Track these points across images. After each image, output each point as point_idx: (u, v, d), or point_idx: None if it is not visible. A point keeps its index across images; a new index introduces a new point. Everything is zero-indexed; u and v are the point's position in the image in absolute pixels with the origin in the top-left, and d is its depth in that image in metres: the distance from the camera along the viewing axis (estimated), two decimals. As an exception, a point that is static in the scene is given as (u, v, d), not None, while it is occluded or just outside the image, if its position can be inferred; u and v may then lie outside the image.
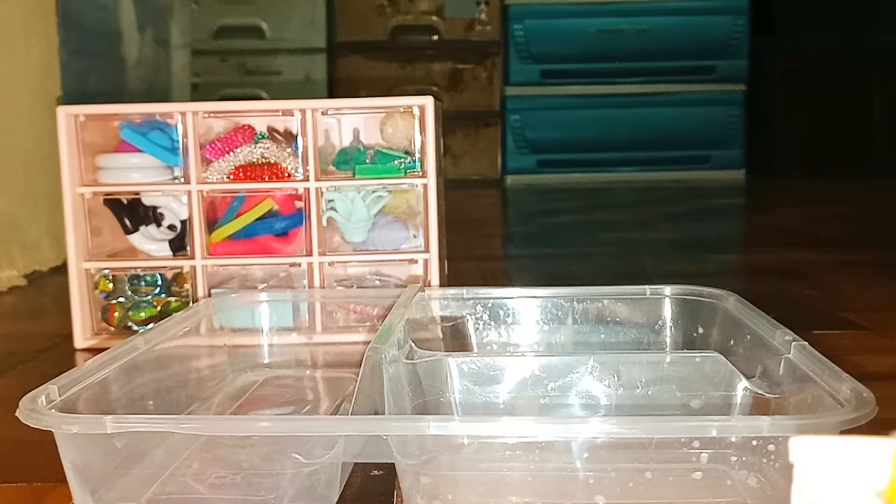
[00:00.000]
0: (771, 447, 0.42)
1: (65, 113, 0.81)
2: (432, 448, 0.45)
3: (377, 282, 0.87)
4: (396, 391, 0.52)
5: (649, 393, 0.55)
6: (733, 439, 0.42)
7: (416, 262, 0.85)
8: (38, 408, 0.44)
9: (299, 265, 0.83)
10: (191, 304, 0.82)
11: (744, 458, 0.44)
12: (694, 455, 0.43)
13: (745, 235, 1.75)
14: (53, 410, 0.44)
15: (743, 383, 0.53)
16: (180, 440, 0.49)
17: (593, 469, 0.43)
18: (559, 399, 0.56)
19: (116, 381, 0.53)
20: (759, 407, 0.52)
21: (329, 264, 0.84)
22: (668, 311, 0.67)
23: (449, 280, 0.89)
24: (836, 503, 0.23)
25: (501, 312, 0.68)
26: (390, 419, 0.46)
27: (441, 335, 0.68)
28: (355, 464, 0.52)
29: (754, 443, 0.43)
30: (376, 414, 0.48)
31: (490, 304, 0.68)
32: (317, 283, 0.83)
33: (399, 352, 0.54)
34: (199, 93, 2.41)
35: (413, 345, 0.57)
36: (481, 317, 0.69)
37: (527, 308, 0.68)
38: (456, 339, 0.68)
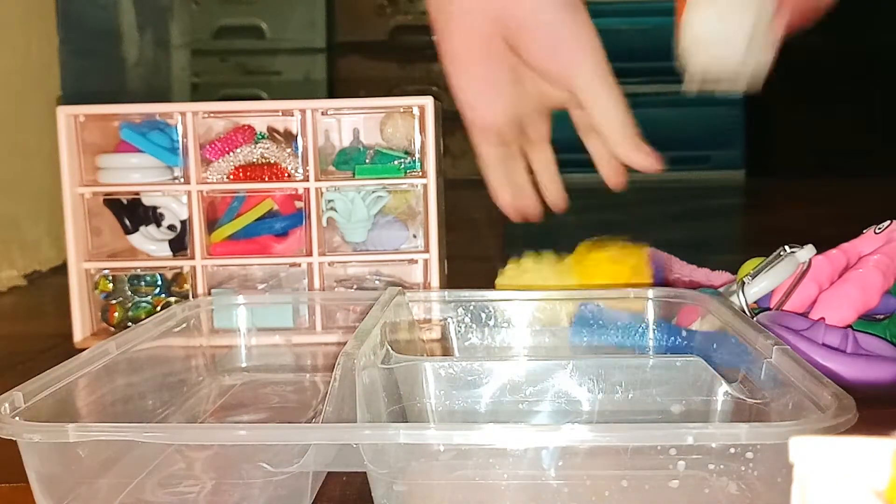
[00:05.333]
0: (749, 455, 0.41)
1: (65, 113, 0.80)
2: (406, 456, 0.44)
3: (377, 282, 0.87)
4: (371, 397, 0.51)
5: (629, 397, 0.54)
6: (713, 446, 0.41)
7: (416, 262, 0.85)
8: (0, 416, 0.43)
9: (299, 265, 0.83)
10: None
11: (722, 466, 0.43)
12: (671, 463, 0.42)
13: (745, 236, 1.75)
14: (17, 419, 0.43)
15: (724, 388, 0.52)
16: (152, 447, 0.48)
17: (568, 477, 0.43)
18: (537, 404, 0.54)
19: (87, 386, 0.51)
20: (739, 412, 0.51)
21: (329, 264, 0.84)
22: (651, 313, 0.66)
23: (449, 280, 0.89)
24: (836, 503, 0.23)
25: (484, 315, 0.67)
26: (359, 427, 0.45)
27: (422, 339, 0.67)
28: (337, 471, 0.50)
29: (732, 450, 0.41)
30: (347, 422, 0.47)
31: (472, 307, 0.67)
32: (317, 283, 0.83)
33: (374, 356, 0.53)
34: (199, 93, 2.41)
35: (390, 349, 0.56)
36: (463, 320, 0.67)
37: (509, 311, 0.67)
38: (438, 342, 0.67)
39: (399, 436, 0.40)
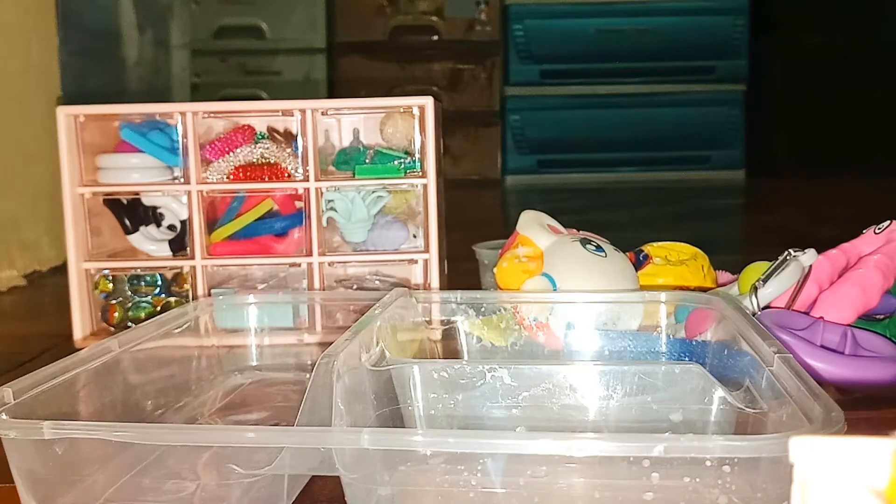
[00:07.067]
0: (726, 468, 0.40)
1: (65, 113, 0.81)
2: (391, 461, 0.43)
3: (377, 282, 0.87)
4: (357, 400, 0.49)
5: (626, 405, 0.52)
6: (693, 456, 0.39)
7: (415, 262, 0.85)
8: None
9: (299, 265, 0.83)
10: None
11: (697, 480, 0.41)
12: (644, 474, 0.41)
13: (745, 235, 1.75)
14: (3, 416, 0.43)
15: (722, 397, 0.50)
16: (143, 448, 0.47)
17: (542, 486, 0.42)
18: (529, 410, 0.53)
19: (86, 385, 0.51)
20: (739, 422, 0.49)
21: (329, 264, 0.84)
22: (664, 318, 0.65)
23: (449, 281, 0.89)
24: (836, 503, 0.23)
25: (494, 318, 0.65)
26: (324, 431, 0.43)
27: (431, 340, 0.66)
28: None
29: (708, 463, 0.40)
30: (322, 425, 0.46)
31: (482, 309, 0.66)
32: (317, 283, 0.83)
33: (364, 358, 0.52)
34: (199, 93, 2.41)
35: (386, 350, 0.55)
36: (474, 322, 0.65)
37: (522, 313, 0.65)
38: (446, 344, 0.66)
39: (363, 440, 0.39)
